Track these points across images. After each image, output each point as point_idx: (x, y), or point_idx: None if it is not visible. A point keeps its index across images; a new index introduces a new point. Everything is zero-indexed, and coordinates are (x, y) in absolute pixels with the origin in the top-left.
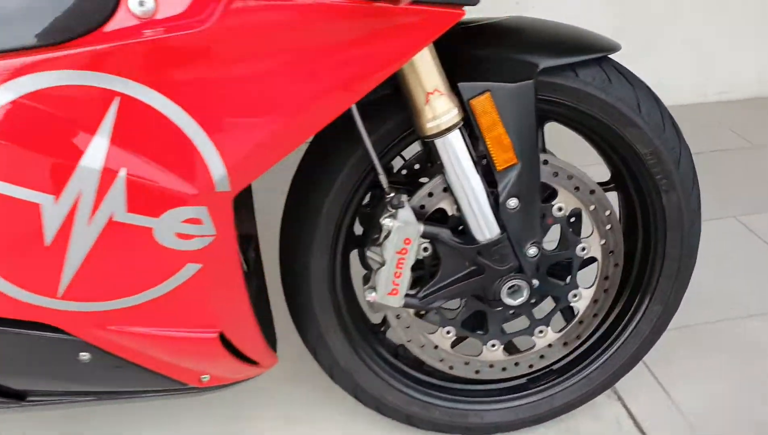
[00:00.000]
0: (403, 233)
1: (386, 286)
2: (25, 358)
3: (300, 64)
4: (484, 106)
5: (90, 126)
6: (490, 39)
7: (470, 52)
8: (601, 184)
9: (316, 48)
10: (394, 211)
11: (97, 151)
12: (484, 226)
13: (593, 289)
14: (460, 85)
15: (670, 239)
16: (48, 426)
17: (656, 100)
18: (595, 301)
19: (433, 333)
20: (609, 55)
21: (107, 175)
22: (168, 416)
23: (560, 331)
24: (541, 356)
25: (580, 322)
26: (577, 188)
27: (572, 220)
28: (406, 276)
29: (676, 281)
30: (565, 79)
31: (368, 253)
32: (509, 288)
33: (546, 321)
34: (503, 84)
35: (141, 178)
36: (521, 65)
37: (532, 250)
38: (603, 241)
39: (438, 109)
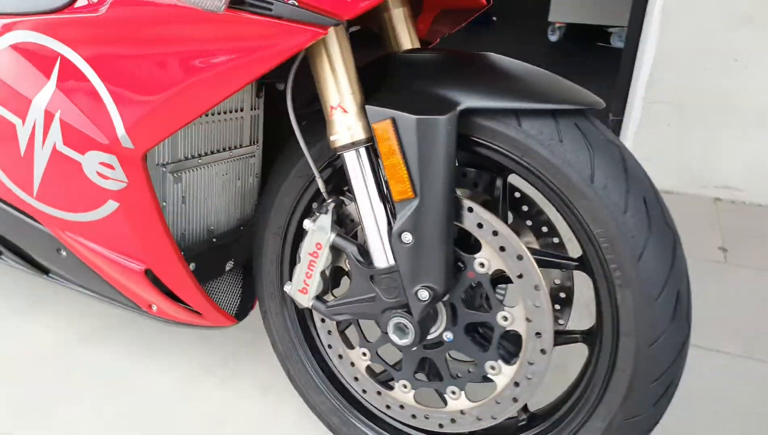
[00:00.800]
0: (315, 237)
1: (298, 283)
2: (29, 240)
3: (173, 54)
4: (384, 132)
5: (44, 74)
6: (437, 69)
7: (398, 80)
8: (569, 259)
9: (185, 42)
10: (317, 215)
11: (45, 93)
12: (377, 252)
13: (514, 369)
14: (367, 107)
15: (622, 346)
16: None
17: (626, 174)
18: (516, 383)
19: (351, 349)
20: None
21: (49, 113)
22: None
23: (475, 401)
24: (452, 420)
25: (497, 401)
26: (502, 248)
27: (502, 284)
28: (316, 279)
29: (625, 401)
30: (506, 127)
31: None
32: (395, 324)
33: (461, 384)
34: (409, 115)
35: (70, 120)
36: (439, 100)
37: (424, 293)
38: (528, 319)
39: (338, 125)
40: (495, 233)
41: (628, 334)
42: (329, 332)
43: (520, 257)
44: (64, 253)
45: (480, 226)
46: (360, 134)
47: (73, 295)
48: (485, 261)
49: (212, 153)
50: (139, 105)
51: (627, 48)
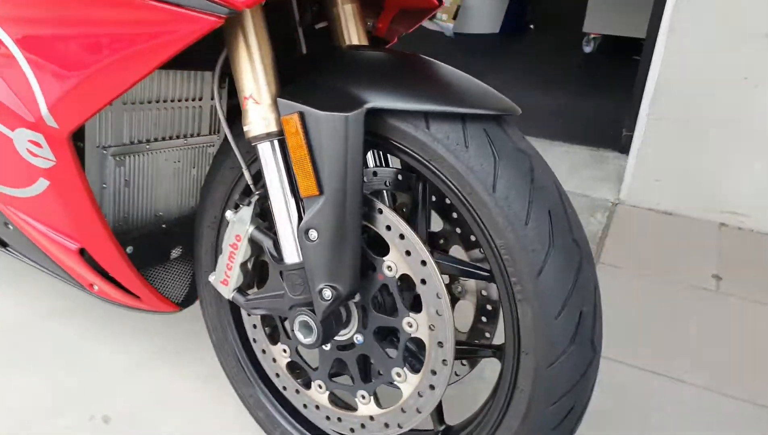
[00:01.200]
0: (235, 229)
1: (219, 274)
2: None
3: (85, 36)
4: (292, 126)
5: None
6: (360, 67)
7: (319, 75)
8: (481, 269)
9: (96, 25)
10: (240, 207)
11: None
12: (287, 247)
13: (418, 377)
14: (279, 100)
15: (522, 365)
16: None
17: (532, 185)
18: (419, 393)
19: (274, 344)
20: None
21: None
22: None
23: (383, 408)
24: (362, 425)
25: (402, 410)
26: (408, 253)
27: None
28: (236, 271)
29: (524, 422)
30: (414, 129)
31: None
32: (300, 322)
33: (370, 389)
34: (317, 111)
35: (1, 98)
36: (350, 98)
37: (327, 292)
38: (431, 326)
39: (251, 115)
40: (402, 237)
41: (528, 352)
42: (254, 326)
43: (423, 263)
44: (10, 226)
45: (389, 228)
46: (272, 126)
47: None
48: (392, 264)
49: (164, 139)
50: (59, 84)
51: (642, 62)
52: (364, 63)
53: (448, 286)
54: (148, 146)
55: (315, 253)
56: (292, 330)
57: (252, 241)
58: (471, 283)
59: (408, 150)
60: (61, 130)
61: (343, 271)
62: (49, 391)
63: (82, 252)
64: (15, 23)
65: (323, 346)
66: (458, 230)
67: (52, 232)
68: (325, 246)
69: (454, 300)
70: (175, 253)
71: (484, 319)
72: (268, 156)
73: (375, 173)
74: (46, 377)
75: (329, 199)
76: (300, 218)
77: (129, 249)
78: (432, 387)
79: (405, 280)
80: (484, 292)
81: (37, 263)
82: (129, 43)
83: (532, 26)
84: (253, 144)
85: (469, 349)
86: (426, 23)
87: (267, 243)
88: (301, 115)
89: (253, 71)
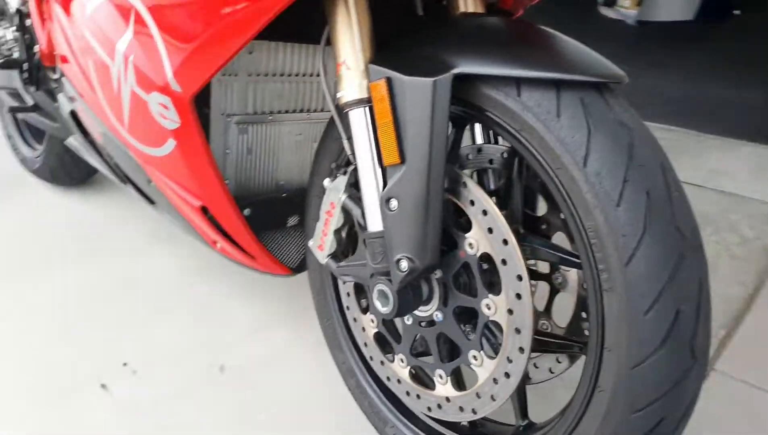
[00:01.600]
0: (330, 197)
1: (316, 239)
2: (132, 171)
3: (200, 3)
4: (380, 91)
5: (124, 23)
6: (459, 34)
7: (411, 42)
8: (568, 253)
9: None
10: (336, 176)
11: (124, 40)
12: (370, 216)
13: (494, 363)
14: (370, 66)
15: (605, 362)
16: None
17: (629, 162)
18: (494, 380)
19: (363, 314)
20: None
21: (126, 57)
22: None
23: (459, 391)
24: (438, 406)
25: (478, 395)
26: (490, 230)
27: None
28: (330, 237)
29: (602, 428)
30: (505, 96)
31: None
32: (378, 290)
33: (447, 369)
34: (403, 76)
35: (139, 64)
36: (437, 63)
37: (404, 264)
38: (510, 310)
39: (343, 81)
40: (485, 213)
41: (611, 349)
42: (348, 294)
43: (505, 242)
44: (152, 184)
45: (472, 203)
46: (363, 93)
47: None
48: (474, 241)
49: (287, 112)
50: (180, 51)
51: None
52: (461, 29)
53: (548, 276)
54: (271, 117)
55: (394, 223)
56: (372, 299)
57: (344, 210)
58: (573, 275)
59: (498, 120)
60: (184, 94)
61: (421, 244)
62: (177, 338)
63: (204, 210)
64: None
65: (405, 320)
66: (562, 216)
67: (179, 188)
68: (404, 216)
69: (554, 291)
70: (292, 220)
71: (584, 314)
72: (358, 123)
73: (480, 150)
74: (179, 325)
75: (411, 167)
76: (385, 187)
77: (246, 211)
78: (507, 375)
79: (487, 261)
80: (586, 286)
81: (173, 220)
82: (234, 6)
83: (737, 11)
84: (345, 111)
85: (556, 343)
86: (605, 10)
87: (356, 211)
88: (389, 81)
89: (350, 37)
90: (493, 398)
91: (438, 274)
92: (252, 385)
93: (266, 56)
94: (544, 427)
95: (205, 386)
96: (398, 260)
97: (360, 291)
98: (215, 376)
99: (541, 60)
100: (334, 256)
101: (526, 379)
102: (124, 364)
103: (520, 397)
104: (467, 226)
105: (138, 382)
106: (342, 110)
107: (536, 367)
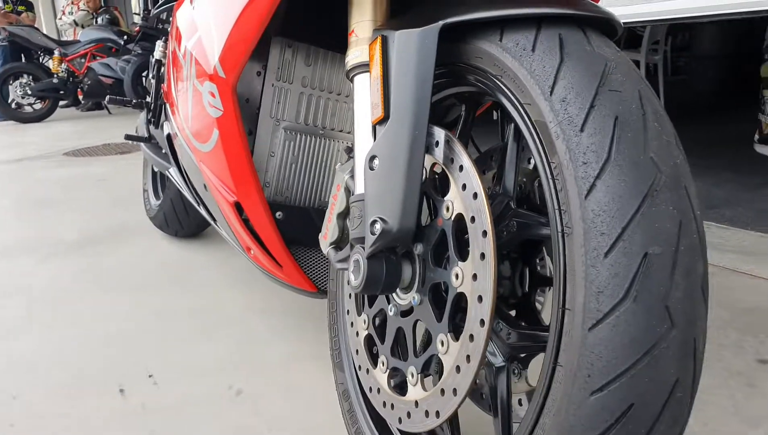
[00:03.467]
0: (336, 179)
1: (323, 229)
2: (194, 176)
3: None
4: (374, 50)
5: (195, 26)
6: None
7: (422, 7)
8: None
9: None
10: (348, 158)
11: (192, 39)
12: (357, 180)
13: (458, 346)
14: (374, 31)
15: (565, 328)
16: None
17: (600, 87)
18: (457, 368)
19: (359, 315)
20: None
21: (191, 54)
22: None
23: (427, 390)
24: (408, 414)
25: (442, 391)
26: (464, 187)
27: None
28: (334, 223)
29: (559, 412)
30: (489, 44)
31: None
32: (354, 261)
33: (418, 364)
34: (393, 31)
35: (198, 57)
36: (427, 17)
37: (378, 226)
38: (474, 275)
39: (351, 48)
40: (461, 168)
41: (571, 308)
42: (350, 295)
43: (475, 196)
44: (207, 188)
45: (452, 160)
46: (364, 57)
47: None
48: (450, 203)
49: (341, 131)
50: (223, 36)
51: None
52: None
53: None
54: (322, 132)
55: (374, 182)
56: (348, 272)
57: (347, 190)
58: None
59: (484, 72)
60: (227, 80)
61: (396, 203)
62: (210, 359)
63: (238, 207)
64: None
65: (389, 312)
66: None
67: (219, 183)
68: (383, 173)
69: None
70: None
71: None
72: (359, 87)
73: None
74: (217, 349)
75: (393, 121)
76: None
77: (278, 214)
78: (468, 359)
79: (460, 224)
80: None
81: (223, 230)
82: None
83: None
84: (350, 79)
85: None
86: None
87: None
88: (383, 39)
89: (361, 7)
90: (455, 392)
91: (419, 248)
92: (259, 413)
93: (325, 71)
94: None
95: (213, 404)
96: (373, 222)
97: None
98: (229, 396)
99: (525, 1)
100: (337, 246)
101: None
102: (150, 376)
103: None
104: (446, 191)
105: (153, 392)
106: (349, 78)
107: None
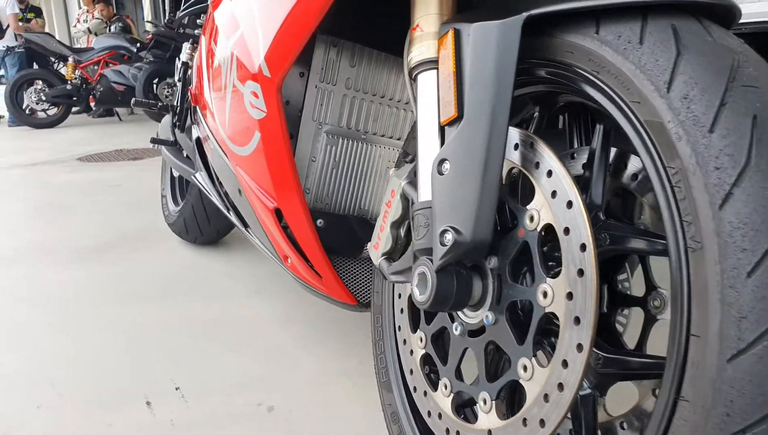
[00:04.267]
0: (390, 184)
1: (374, 238)
2: (228, 181)
3: None
4: (446, 44)
5: (237, 24)
6: None
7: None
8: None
9: None
10: (404, 163)
11: (234, 37)
12: (422, 186)
13: (546, 372)
14: (442, 25)
15: (691, 354)
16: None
17: (731, 82)
18: (545, 397)
19: (414, 332)
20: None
21: (233, 54)
22: None
23: (504, 420)
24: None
25: (524, 421)
26: (554, 194)
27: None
28: (387, 232)
29: None
30: (582, 37)
31: None
32: (419, 274)
33: (493, 390)
34: (467, 24)
35: (240, 56)
36: (506, 9)
37: (448, 236)
38: (569, 294)
39: (413, 44)
40: (549, 174)
41: (700, 334)
42: (401, 310)
43: (570, 204)
44: (242, 193)
45: (537, 165)
46: (431, 53)
47: None
48: (535, 212)
49: (383, 136)
50: (270, 34)
51: None
52: None
53: (644, 299)
54: (364, 136)
55: (444, 188)
56: (412, 286)
57: (404, 198)
58: None
59: (576, 68)
60: (272, 80)
61: (470, 212)
62: (238, 374)
63: (278, 213)
64: None
65: (454, 331)
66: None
67: (258, 189)
68: (456, 179)
69: (650, 320)
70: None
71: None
72: (424, 84)
73: (572, 156)
74: (245, 363)
75: (469, 122)
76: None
77: (319, 222)
78: (561, 387)
79: (549, 236)
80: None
81: (256, 235)
82: None
83: None
84: (414, 76)
85: (633, 359)
86: None
87: (414, 196)
88: (456, 32)
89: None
90: (542, 423)
91: (492, 262)
92: (291, 430)
93: (369, 72)
94: None
95: (245, 421)
96: (443, 232)
97: (415, 307)
98: (261, 414)
99: None
100: (390, 257)
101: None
102: (177, 388)
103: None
104: (529, 199)
105: (182, 406)
106: (411, 77)
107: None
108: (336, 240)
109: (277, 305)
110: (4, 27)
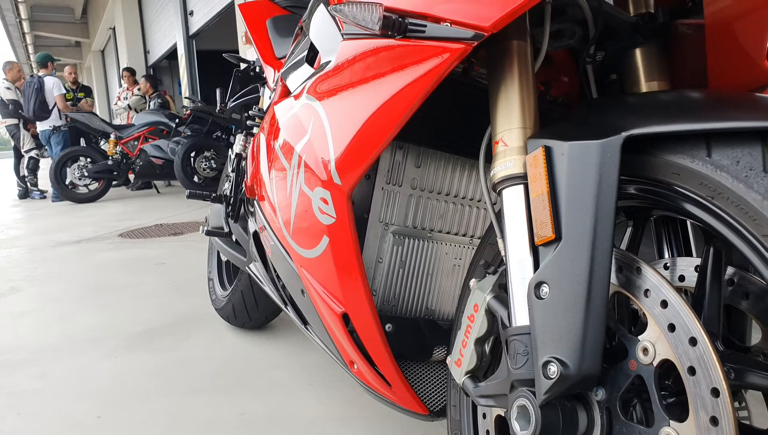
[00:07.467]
0: (474, 298)
1: (455, 353)
2: (289, 280)
3: (357, 86)
4: (535, 162)
5: (305, 126)
6: (625, 102)
7: (581, 116)
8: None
9: (366, 75)
10: (486, 274)
11: (302, 142)
12: (517, 309)
13: None
14: (529, 141)
15: None
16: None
17: None
18: None
19: None
20: None
21: (300, 158)
22: None
23: None
24: None
25: None
26: (672, 327)
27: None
28: (470, 348)
29: None
30: (691, 160)
31: None
32: (518, 406)
33: None
34: (563, 142)
35: (309, 162)
36: (605, 127)
37: (553, 368)
38: None
39: (497, 159)
40: (664, 304)
41: None
42: (487, 432)
43: (693, 341)
44: (305, 294)
45: (647, 293)
46: (518, 168)
47: None
48: (649, 345)
49: (448, 233)
50: (343, 141)
51: None
52: (636, 98)
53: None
54: (430, 235)
55: (544, 314)
56: (510, 419)
57: (489, 314)
58: None
59: (683, 190)
60: (343, 188)
61: (577, 343)
62: None
63: (345, 318)
64: (325, 94)
65: None
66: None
67: (325, 293)
68: (557, 305)
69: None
70: (438, 354)
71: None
72: (511, 200)
73: (666, 266)
74: None
75: (567, 244)
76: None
77: (388, 326)
78: None
79: (667, 372)
80: None
81: (319, 337)
82: (388, 86)
83: None
84: (497, 192)
85: None
86: None
87: (502, 313)
88: (547, 150)
89: (507, 112)
90: None
91: (600, 394)
92: None
93: (434, 172)
94: None
95: None
96: (546, 363)
97: (504, 428)
98: None
99: (736, 112)
100: (474, 375)
101: None
102: None
103: None
104: (640, 329)
105: None
106: (496, 191)
107: None
108: (406, 345)
109: (331, 400)
110: (51, 107)
